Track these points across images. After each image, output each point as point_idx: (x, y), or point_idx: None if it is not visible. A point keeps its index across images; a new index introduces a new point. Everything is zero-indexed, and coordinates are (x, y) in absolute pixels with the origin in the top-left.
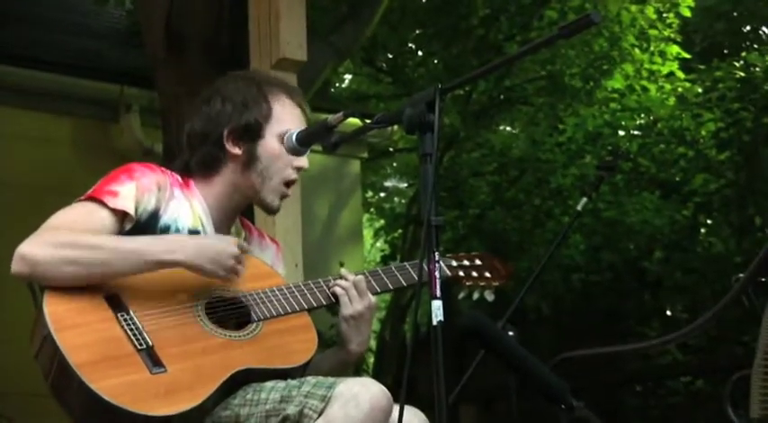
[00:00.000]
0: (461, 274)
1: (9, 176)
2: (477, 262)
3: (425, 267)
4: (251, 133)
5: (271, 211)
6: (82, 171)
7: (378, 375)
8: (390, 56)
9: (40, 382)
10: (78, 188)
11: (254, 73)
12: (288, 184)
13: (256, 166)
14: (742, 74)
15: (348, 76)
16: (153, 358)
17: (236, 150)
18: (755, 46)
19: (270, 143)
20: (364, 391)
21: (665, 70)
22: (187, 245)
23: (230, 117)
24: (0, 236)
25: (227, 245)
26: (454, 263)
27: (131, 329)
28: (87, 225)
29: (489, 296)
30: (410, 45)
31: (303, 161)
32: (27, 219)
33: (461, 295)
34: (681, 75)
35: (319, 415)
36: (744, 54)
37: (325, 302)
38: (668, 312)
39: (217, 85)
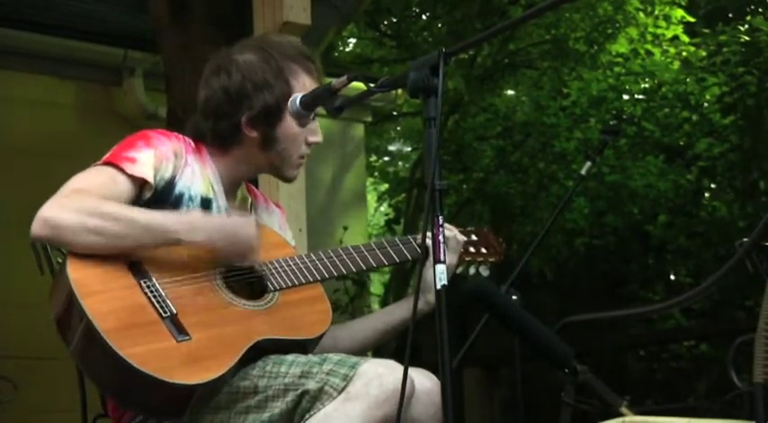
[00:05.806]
0: None
1: (11, 140)
2: (474, 237)
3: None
4: (271, 117)
5: (289, 181)
6: (85, 135)
7: None
8: (394, 19)
9: (43, 345)
10: (81, 152)
11: (271, 44)
12: (302, 157)
13: (275, 147)
14: (747, 38)
15: (352, 40)
16: (177, 326)
17: (254, 134)
18: (760, 10)
19: (290, 125)
20: (388, 373)
21: (669, 34)
22: (210, 226)
23: (251, 100)
24: (4, 199)
25: (251, 229)
26: None
27: (155, 297)
28: (107, 191)
29: (485, 271)
30: (414, 9)
31: (318, 137)
32: (30, 182)
33: (458, 270)
34: (685, 38)
35: (339, 393)
36: (749, 18)
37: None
38: (672, 276)
39: (233, 54)
